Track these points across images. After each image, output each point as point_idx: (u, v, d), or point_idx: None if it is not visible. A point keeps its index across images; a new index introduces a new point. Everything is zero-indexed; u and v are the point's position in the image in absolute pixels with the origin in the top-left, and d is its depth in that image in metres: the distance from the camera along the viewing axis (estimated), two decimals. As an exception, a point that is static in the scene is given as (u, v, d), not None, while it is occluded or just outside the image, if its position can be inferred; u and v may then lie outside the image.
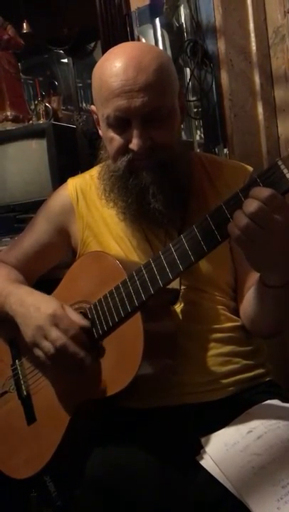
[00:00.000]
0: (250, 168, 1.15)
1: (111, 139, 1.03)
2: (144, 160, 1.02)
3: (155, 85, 0.98)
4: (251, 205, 0.79)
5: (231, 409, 0.99)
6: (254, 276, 1.00)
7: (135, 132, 0.99)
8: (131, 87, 0.97)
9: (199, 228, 0.87)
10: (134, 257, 1.08)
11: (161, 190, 1.02)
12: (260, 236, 0.80)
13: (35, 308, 1.00)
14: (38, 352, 0.99)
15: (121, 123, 1.00)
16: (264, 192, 0.79)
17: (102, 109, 1.03)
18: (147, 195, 1.02)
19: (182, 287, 1.03)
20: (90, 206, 1.16)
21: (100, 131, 1.10)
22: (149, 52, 1.01)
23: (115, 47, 1.06)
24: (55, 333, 0.95)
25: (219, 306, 1.08)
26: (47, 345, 0.96)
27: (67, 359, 0.95)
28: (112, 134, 1.02)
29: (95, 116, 1.11)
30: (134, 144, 0.99)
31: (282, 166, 0.79)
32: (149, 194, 1.02)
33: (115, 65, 0.99)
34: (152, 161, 1.02)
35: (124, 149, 1.02)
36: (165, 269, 0.91)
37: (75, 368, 0.96)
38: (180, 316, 1.05)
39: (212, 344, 1.05)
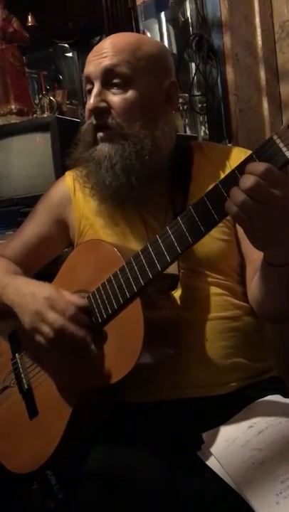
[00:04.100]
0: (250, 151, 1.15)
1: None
2: (101, 130, 1.05)
3: (118, 50, 1.04)
4: (247, 181, 0.77)
5: (233, 404, 0.99)
6: (261, 258, 0.98)
7: (92, 92, 1.05)
8: (98, 52, 1.06)
9: (196, 209, 0.87)
10: (132, 244, 1.08)
11: (113, 166, 1.04)
12: (258, 211, 0.78)
13: (30, 295, 1.01)
14: (38, 338, 0.98)
15: (89, 89, 1.07)
16: (260, 166, 0.77)
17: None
18: (101, 169, 1.05)
19: (181, 271, 1.02)
20: (86, 196, 1.16)
21: None
22: (133, 35, 1.10)
23: None
24: (52, 315, 0.95)
25: (221, 291, 1.07)
26: (46, 328, 0.96)
27: (67, 340, 0.95)
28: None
29: None
30: (89, 103, 1.05)
31: (278, 141, 0.77)
32: (102, 168, 1.05)
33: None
34: (108, 133, 1.05)
35: (89, 114, 1.07)
36: (163, 253, 0.91)
37: (77, 349, 0.96)
38: (179, 302, 1.04)
39: (214, 335, 1.04)
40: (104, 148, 1.05)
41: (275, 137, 0.78)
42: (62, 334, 0.94)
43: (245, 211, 0.79)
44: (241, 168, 0.80)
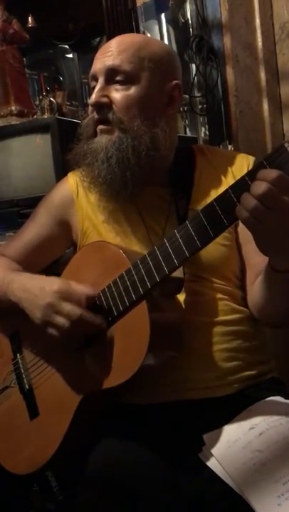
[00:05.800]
0: (253, 157, 1.15)
1: None
2: (101, 124, 1.07)
3: (122, 49, 1.06)
4: (259, 187, 0.79)
5: (234, 406, 0.99)
6: (262, 264, 0.99)
7: (96, 88, 1.07)
8: (104, 51, 1.08)
9: (205, 213, 0.87)
10: (134, 246, 1.08)
11: (109, 158, 1.05)
12: (268, 217, 0.80)
13: (39, 289, 1.01)
14: (50, 330, 0.98)
15: (94, 86, 1.09)
16: (272, 173, 0.79)
17: None
18: (97, 161, 1.06)
19: (185, 275, 1.02)
20: (89, 198, 1.16)
21: None
22: (140, 36, 1.11)
23: None
24: (68, 307, 0.96)
25: (224, 296, 1.07)
26: (61, 320, 0.96)
27: (83, 329, 0.96)
28: None
29: None
30: (91, 98, 1.07)
31: None
32: (99, 160, 1.05)
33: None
34: (108, 126, 1.06)
35: (91, 110, 1.09)
36: (171, 256, 0.91)
37: (90, 340, 0.97)
38: (183, 306, 1.04)
39: (217, 338, 1.04)
40: (102, 139, 1.06)
41: (286, 145, 0.79)
42: (79, 323, 0.95)
43: (255, 217, 0.80)
44: (252, 175, 0.81)
